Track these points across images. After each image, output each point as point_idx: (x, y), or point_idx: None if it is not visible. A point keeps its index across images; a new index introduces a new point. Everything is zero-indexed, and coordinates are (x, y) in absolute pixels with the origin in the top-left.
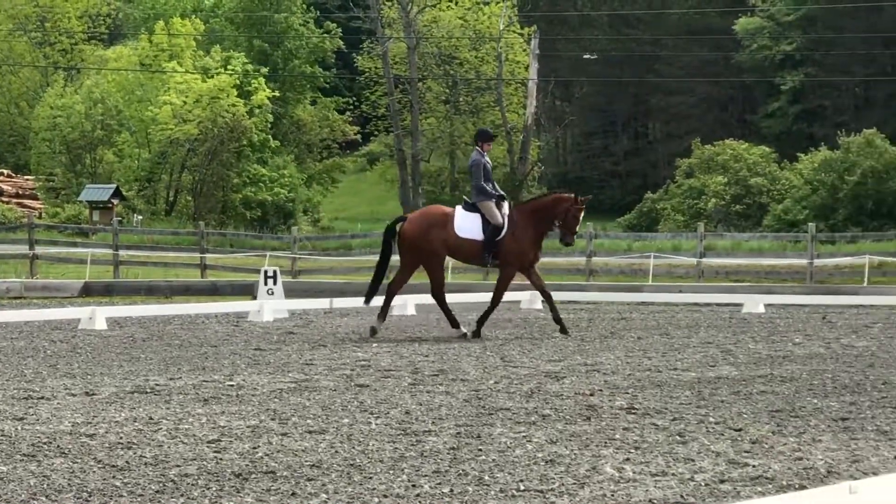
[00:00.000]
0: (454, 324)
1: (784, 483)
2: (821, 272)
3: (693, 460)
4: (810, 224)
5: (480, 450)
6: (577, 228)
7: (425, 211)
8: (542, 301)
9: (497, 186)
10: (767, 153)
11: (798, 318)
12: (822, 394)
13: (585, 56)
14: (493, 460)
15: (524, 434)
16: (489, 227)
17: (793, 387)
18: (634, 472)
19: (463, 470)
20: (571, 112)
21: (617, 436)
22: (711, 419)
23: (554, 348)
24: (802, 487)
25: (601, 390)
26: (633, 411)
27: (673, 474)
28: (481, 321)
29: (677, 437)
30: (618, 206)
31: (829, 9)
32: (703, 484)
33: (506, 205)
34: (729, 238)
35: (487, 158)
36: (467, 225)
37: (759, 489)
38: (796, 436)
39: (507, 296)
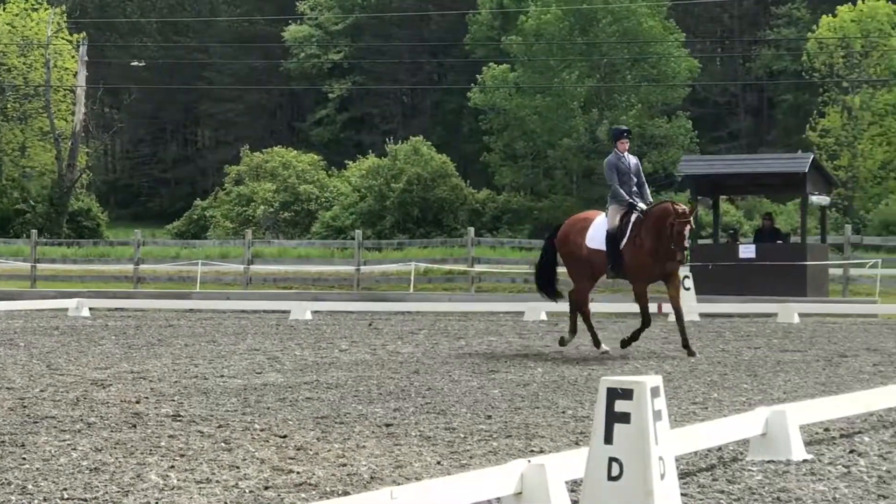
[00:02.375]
0: (596, 343)
1: (328, 489)
2: (368, 279)
3: (238, 467)
4: (357, 231)
5: (24, 458)
6: (685, 244)
7: (574, 216)
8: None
9: (643, 190)
10: (316, 160)
11: (345, 324)
12: (367, 400)
13: (134, 63)
14: (38, 469)
15: (69, 442)
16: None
17: (338, 393)
18: (179, 480)
19: (6, 479)
20: (121, 119)
21: (162, 443)
22: (257, 426)
23: (101, 356)
24: (346, 493)
25: (147, 398)
26: (178, 419)
27: (217, 481)
28: (633, 338)
29: (223, 445)
30: (167, 213)
31: (377, 17)
32: (247, 491)
33: (635, 212)
34: (277, 245)
35: (628, 157)
36: (598, 233)
37: (304, 496)
38: (341, 442)
39: (54, 303)
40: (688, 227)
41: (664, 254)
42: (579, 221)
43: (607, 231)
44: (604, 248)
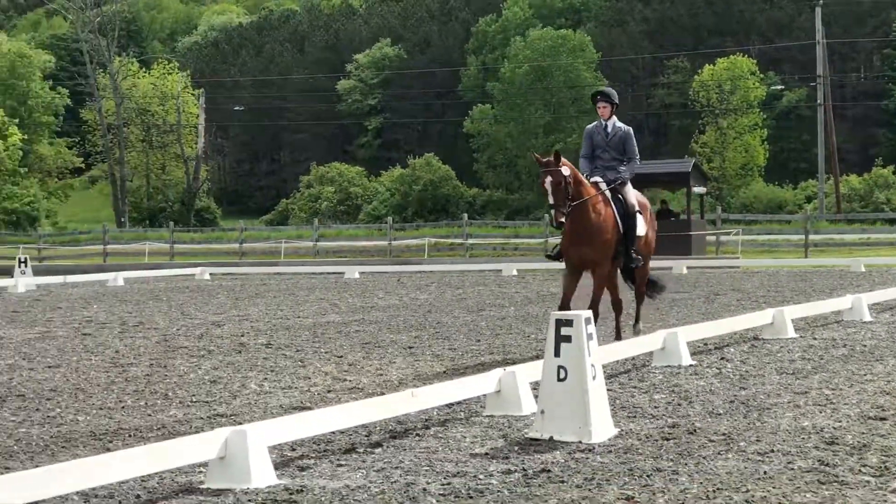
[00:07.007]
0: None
1: (371, 391)
2: (396, 249)
3: (309, 378)
4: (389, 218)
5: (167, 375)
6: (551, 200)
7: None
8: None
9: (629, 166)
10: (361, 171)
11: (381, 281)
12: (396, 331)
13: (237, 108)
14: (175, 382)
15: (196, 364)
16: None
17: (377, 327)
18: (270, 387)
19: (155, 389)
20: (228, 145)
21: (259, 363)
22: (323, 350)
23: (217, 305)
24: (382, 394)
25: (249, 333)
26: (269, 346)
27: (296, 388)
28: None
29: (299, 363)
30: (262, 209)
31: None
32: (316, 394)
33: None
34: (335, 228)
35: (612, 126)
36: None
37: (354, 396)
38: (378, 359)
39: (185, 271)
40: (549, 178)
41: (577, 234)
42: None
43: None
44: None
